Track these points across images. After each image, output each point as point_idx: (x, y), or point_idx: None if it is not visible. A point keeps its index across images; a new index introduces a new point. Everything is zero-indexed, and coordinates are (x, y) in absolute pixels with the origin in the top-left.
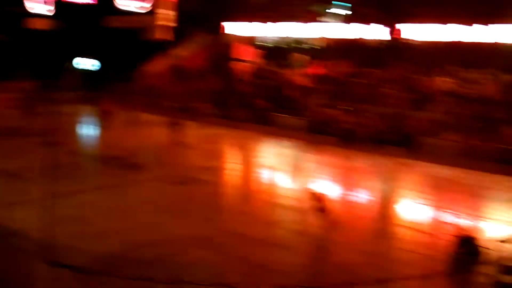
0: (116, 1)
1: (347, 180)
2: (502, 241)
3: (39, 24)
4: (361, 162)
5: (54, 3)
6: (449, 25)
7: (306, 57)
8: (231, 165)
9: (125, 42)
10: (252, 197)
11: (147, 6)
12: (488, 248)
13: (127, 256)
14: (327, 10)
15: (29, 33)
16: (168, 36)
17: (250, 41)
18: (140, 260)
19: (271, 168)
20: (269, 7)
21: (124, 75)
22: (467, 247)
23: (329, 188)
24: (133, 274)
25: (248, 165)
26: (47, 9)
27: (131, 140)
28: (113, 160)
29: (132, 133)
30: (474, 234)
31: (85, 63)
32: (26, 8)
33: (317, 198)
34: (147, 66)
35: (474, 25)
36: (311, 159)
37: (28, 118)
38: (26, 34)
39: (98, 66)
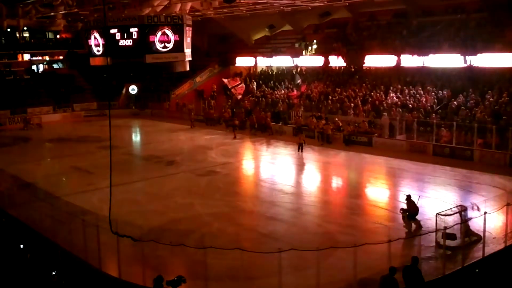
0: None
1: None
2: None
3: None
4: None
5: (102, 45)
6: (391, 55)
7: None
8: (238, 161)
9: (159, 73)
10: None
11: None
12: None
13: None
14: (303, 45)
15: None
16: (188, 68)
17: (249, 69)
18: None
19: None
20: (261, 45)
21: (158, 97)
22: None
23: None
24: (172, 241)
25: (252, 159)
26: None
27: (165, 143)
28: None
29: (165, 137)
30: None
31: (133, 89)
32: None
33: None
34: (174, 90)
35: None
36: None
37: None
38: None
39: (136, 90)
